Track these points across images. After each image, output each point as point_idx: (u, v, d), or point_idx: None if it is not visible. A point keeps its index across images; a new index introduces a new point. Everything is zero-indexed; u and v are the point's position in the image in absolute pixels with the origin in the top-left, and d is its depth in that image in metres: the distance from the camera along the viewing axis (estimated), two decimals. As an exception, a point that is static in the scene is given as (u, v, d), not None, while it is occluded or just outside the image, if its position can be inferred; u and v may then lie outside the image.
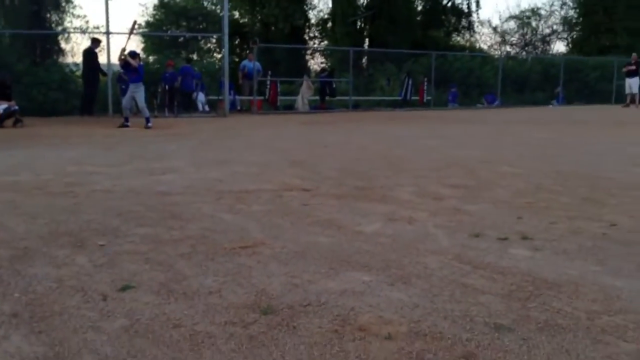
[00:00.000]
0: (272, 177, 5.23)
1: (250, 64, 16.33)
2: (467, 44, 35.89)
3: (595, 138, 8.85)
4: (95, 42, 14.13)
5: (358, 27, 27.57)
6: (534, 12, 44.86)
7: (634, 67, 23.81)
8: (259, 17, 26.84)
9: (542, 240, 3.02)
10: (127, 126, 10.71)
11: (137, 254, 2.88)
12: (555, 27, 46.11)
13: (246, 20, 29.43)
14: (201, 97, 16.06)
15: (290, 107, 17.61)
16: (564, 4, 45.07)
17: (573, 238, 3.07)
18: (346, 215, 3.73)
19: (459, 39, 37.84)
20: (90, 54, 13.91)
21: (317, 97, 18.76)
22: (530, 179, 5.03)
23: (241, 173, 5.49)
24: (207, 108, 16.10)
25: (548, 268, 2.56)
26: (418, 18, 31.05)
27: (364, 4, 28.05)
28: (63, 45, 17.87)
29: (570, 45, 42.79)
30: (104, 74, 13.92)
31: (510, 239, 3.08)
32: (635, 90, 23.84)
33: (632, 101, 23.95)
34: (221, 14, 14.61)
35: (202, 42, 25.93)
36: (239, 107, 16.37)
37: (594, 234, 3.15)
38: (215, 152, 7.19)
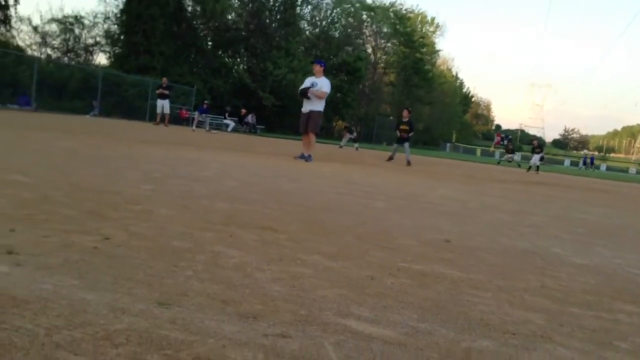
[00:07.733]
0: None
1: None
2: (2, 39, 32.85)
3: (118, 152, 9.25)
4: None
5: None
6: (77, 19, 44.45)
7: (166, 91, 26.44)
8: None
9: (27, 255, 2.89)
10: None
11: None
12: (98, 39, 46.84)
13: None
14: None
15: None
16: (107, 17, 46.25)
17: (62, 252, 3.05)
18: None
19: (-5, 32, 34.66)
20: None
21: None
22: (40, 189, 4.83)
23: None
24: None
25: (22, 284, 2.44)
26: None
27: None
28: None
29: (112, 59, 44.17)
30: None
31: (-5, 253, 2.85)
32: (167, 110, 26.48)
33: (163, 120, 26.50)
34: None
35: None
36: None
37: (85, 247, 3.21)
38: None
